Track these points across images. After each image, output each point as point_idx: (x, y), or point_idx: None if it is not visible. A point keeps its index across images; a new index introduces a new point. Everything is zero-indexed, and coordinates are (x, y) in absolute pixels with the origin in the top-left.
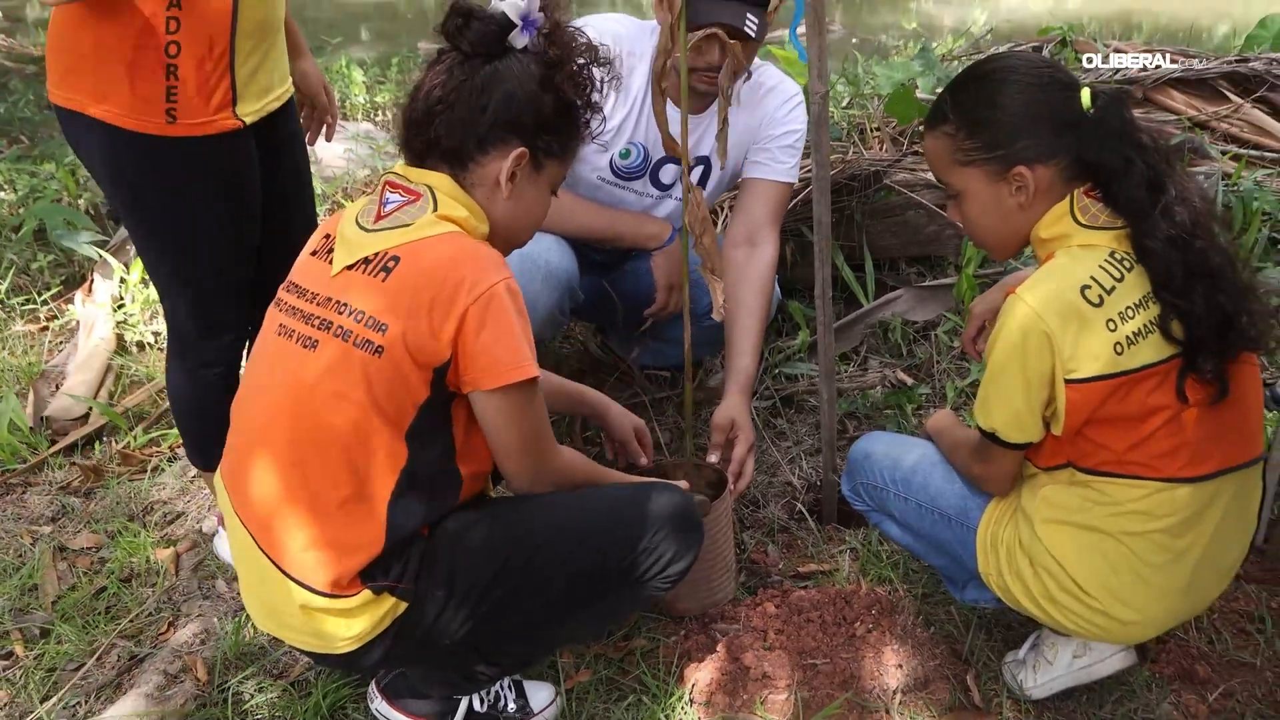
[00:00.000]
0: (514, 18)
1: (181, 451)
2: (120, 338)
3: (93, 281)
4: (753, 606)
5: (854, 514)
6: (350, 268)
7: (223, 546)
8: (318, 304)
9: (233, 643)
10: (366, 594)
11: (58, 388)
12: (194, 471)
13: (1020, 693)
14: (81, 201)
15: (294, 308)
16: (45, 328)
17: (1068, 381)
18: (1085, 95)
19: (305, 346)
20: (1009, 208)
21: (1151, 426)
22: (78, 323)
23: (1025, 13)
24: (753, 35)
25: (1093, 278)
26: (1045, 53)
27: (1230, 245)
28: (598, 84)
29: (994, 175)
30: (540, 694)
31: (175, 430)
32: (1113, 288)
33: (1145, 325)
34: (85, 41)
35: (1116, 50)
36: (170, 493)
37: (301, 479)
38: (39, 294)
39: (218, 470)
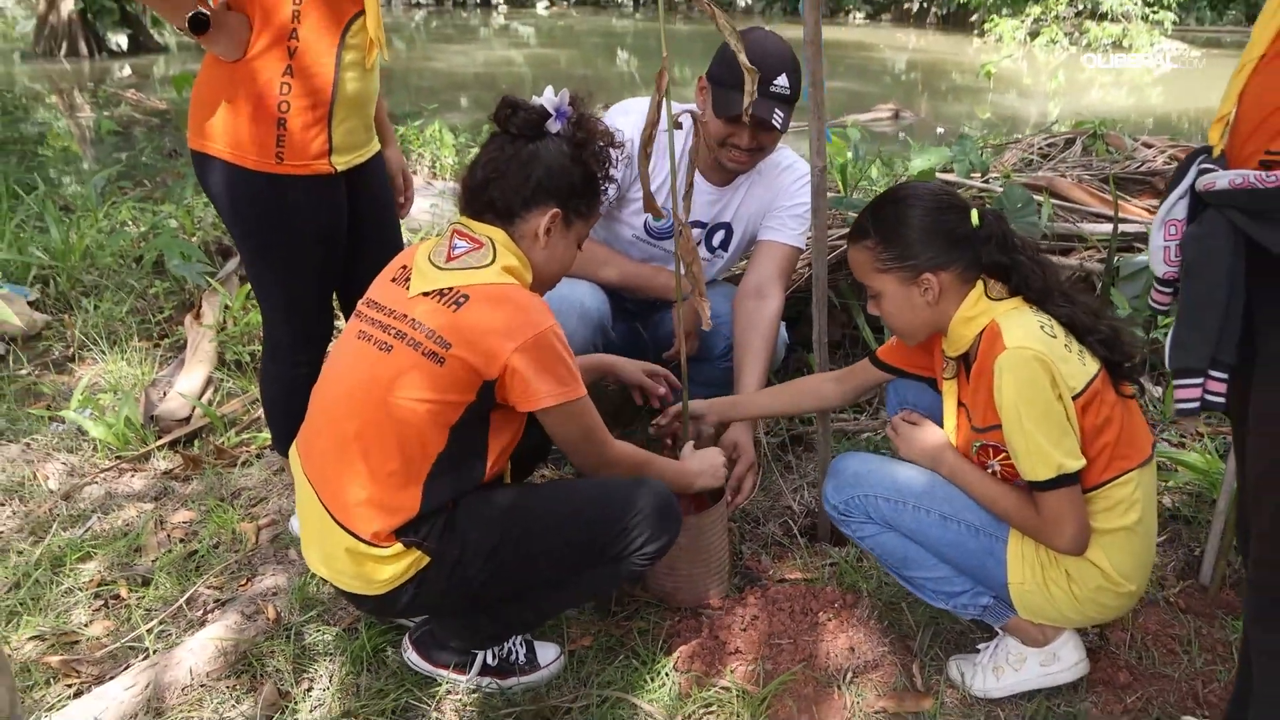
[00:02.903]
0: (550, 109)
1: (267, 451)
2: (221, 356)
3: (200, 307)
4: (738, 600)
5: (840, 535)
6: (426, 294)
7: (296, 524)
8: (395, 318)
9: (299, 595)
10: (399, 547)
11: (165, 394)
12: (277, 466)
13: (969, 691)
14: (195, 238)
15: (373, 319)
16: (157, 344)
17: (1073, 398)
18: (974, 215)
19: (381, 349)
20: (919, 305)
21: (1114, 427)
22: (185, 341)
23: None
24: (778, 128)
25: (1040, 324)
26: (1078, 142)
27: (1094, 298)
28: (614, 160)
29: (906, 280)
30: (547, 651)
31: (263, 434)
32: (1053, 324)
33: (1078, 346)
34: (217, 99)
35: (1145, 144)
36: (255, 482)
37: (362, 451)
38: (152, 315)
39: (294, 441)
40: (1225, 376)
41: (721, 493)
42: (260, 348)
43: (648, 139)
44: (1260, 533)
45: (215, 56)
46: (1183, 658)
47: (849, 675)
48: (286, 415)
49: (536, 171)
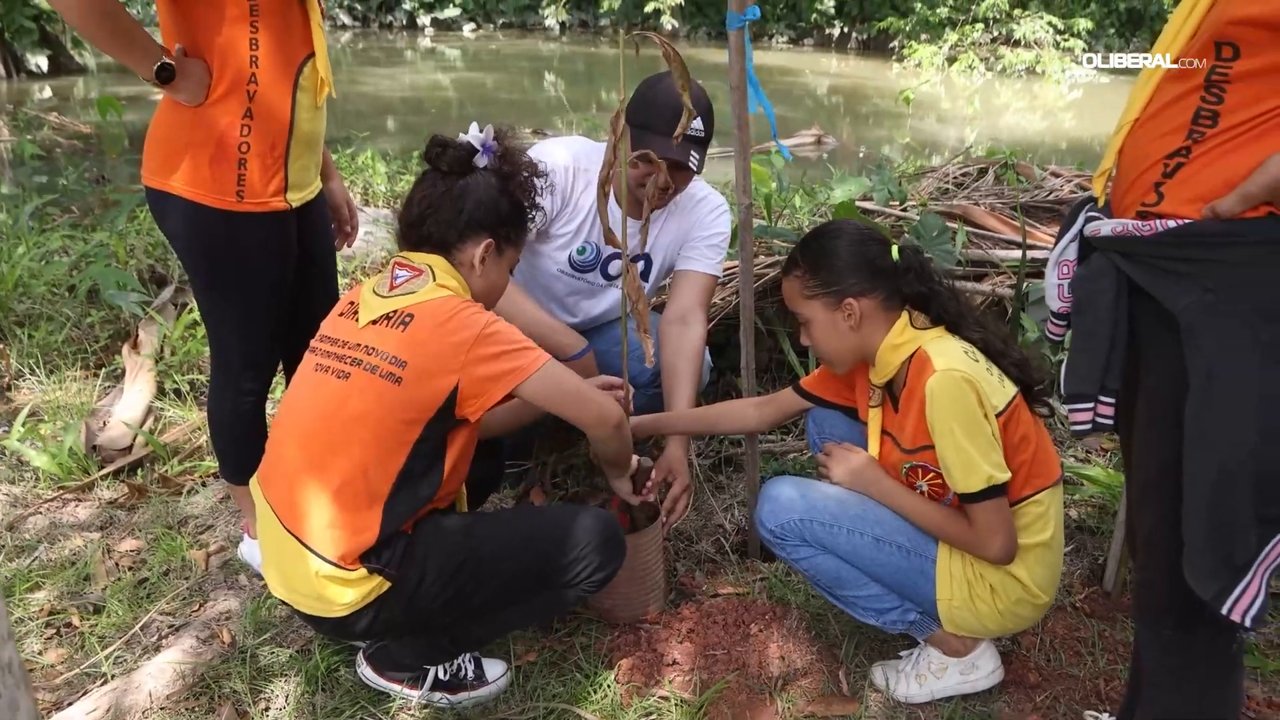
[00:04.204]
0: (477, 145)
1: (212, 479)
2: (160, 384)
3: (138, 336)
4: (674, 615)
5: (769, 551)
6: (374, 322)
7: (246, 550)
8: (349, 348)
9: (252, 619)
10: (363, 571)
11: (105, 424)
12: (223, 493)
13: (894, 696)
14: (129, 266)
15: (328, 351)
16: (95, 374)
17: (996, 415)
18: (894, 250)
19: (339, 377)
20: (844, 330)
21: (1030, 446)
22: (124, 370)
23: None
24: (694, 169)
25: (963, 348)
26: (991, 171)
27: (1001, 326)
28: (539, 190)
29: (830, 305)
30: (495, 668)
31: (206, 462)
32: (974, 350)
33: (998, 371)
34: (179, 140)
35: (1053, 174)
36: (202, 509)
37: (326, 476)
38: (89, 345)
39: (255, 472)
40: (1113, 400)
41: (656, 514)
42: (202, 376)
43: (605, 179)
44: (1144, 536)
45: (174, 100)
46: (1087, 658)
47: (780, 682)
48: (234, 443)
49: (468, 205)
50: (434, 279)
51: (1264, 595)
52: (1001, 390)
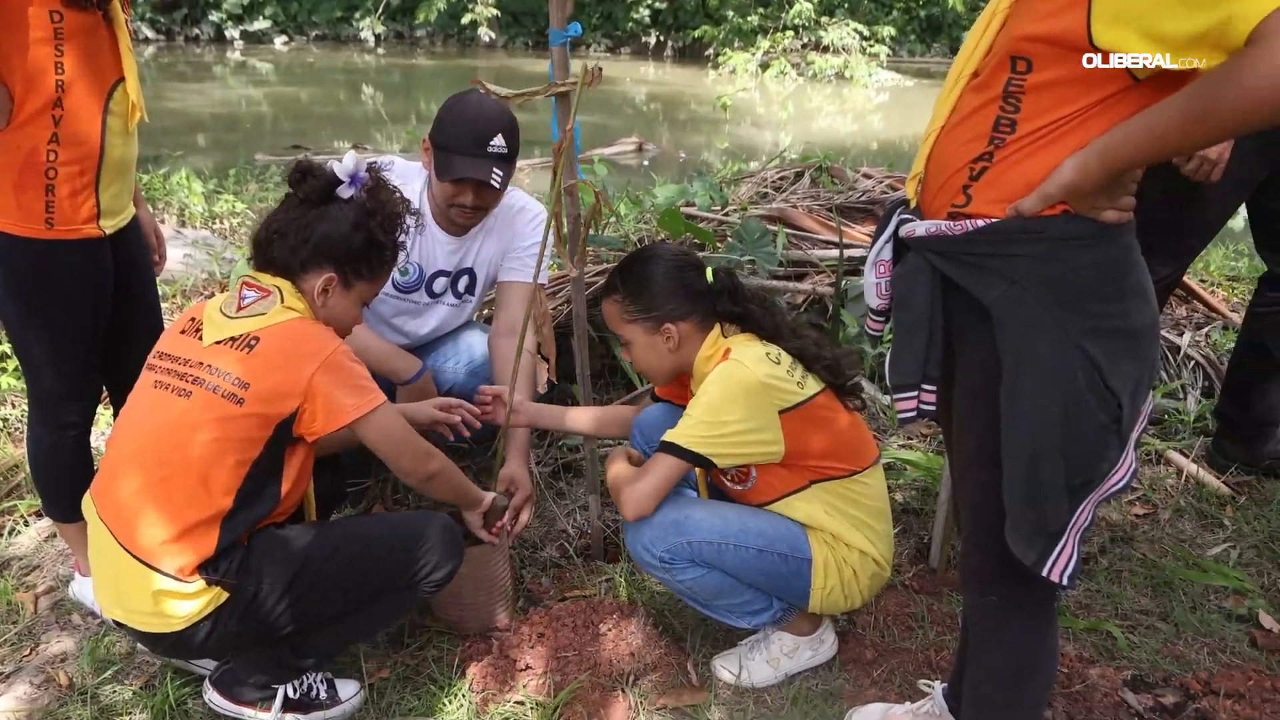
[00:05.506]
0: (341, 176)
1: (34, 518)
2: None
3: None
4: (524, 621)
5: (613, 552)
6: (219, 342)
7: (78, 589)
8: (190, 366)
9: (90, 658)
10: (201, 583)
11: None
12: (49, 532)
13: (751, 684)
14: None
15: (168, 369)
16: None
17: (781, 413)
18: (709, 272)
19: (180, 395)
20: (663, 351)
21: (842, 431)
22: None
23: (832, 134)
24: (498, 187)
25: (766, 352)
26: (807, 175)
27: (818, 334)
28: (406, 227)
29: (650, 329)
30: (348, 687)
31: (26, 500)
32: (779, 353)
33: (803, 371)
34: None
35: (865, 175)
36: (26, 550)
37: (165, 492)
38: None
39: (89, 489)
40: (934, 388)
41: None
42: (15, 412)
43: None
44: (968, 510)
45: None
46: (918, 632)
47: (632, 678)
48: (57, 480)
49: (314, 236)
50: (282, 301)
51: (1077, 556)
52: (798, 391)
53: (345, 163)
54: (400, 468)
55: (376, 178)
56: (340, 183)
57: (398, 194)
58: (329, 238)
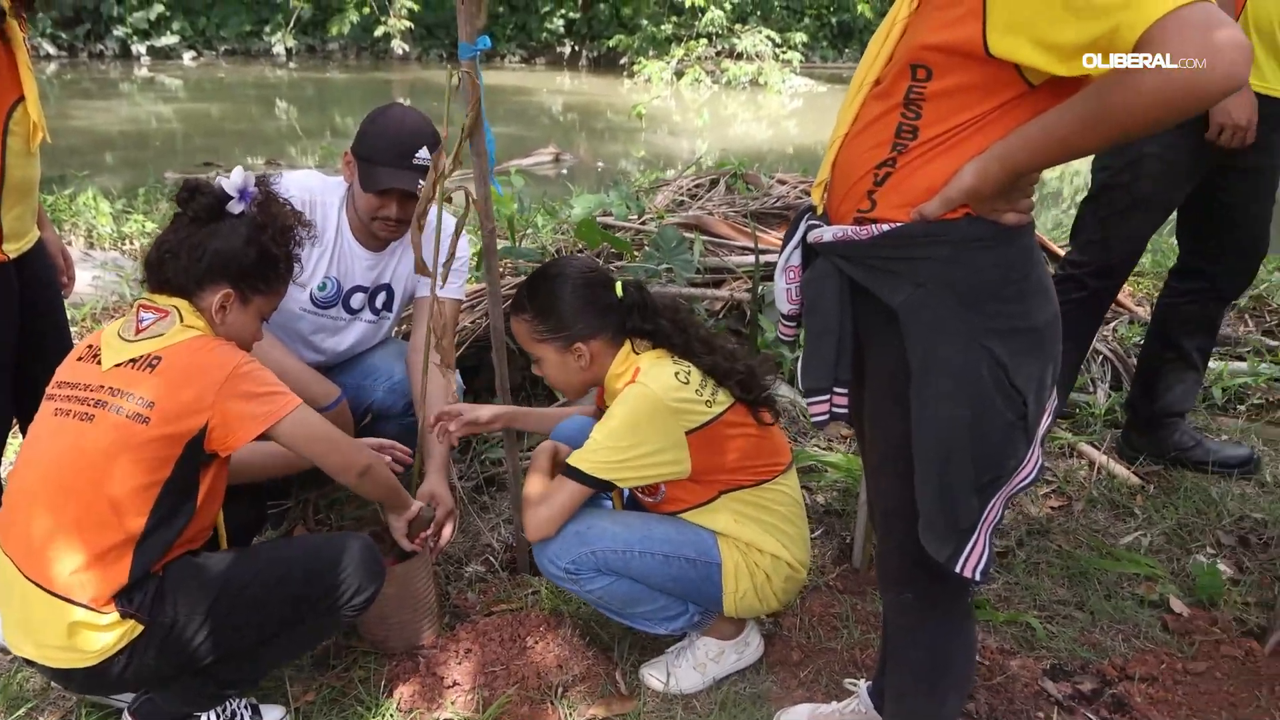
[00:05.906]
0: (230, 191)
1: None
2: None
3: None
4: (451, 637)
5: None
6: (119, 365)
7: None
8: (91, 391)
9: (2, 697)
10: (116, 615)
11: None
12: None
13: (679, 690)
14: None
15: (69, 396)
16: None
17: (688, 433)
18: (618, 287)
19: (82, 420)
20: (574, 369)
21: (753, 443)
22: None
23: (748, 140)
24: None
25: (675, 372)
26: (722, 182)
27: (733, 345)
28: (299, 239)
29: (561, 348)
30: (273, 713)
31: None
32: (689, 371)
33: (714, 387)
34: None
35: (780, 181)
36: None
37: (74, 521)
38: None
39: None
40: (845, 391)
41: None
42: None
43: (422, 212)
44: (882, 510)
45: None
46: (843, 631)
47: (560, 689)
48: None
49: (207, 254)
50: (181, 320)
51: (989, 551)
52: (706, 410)
53: (234, 178)
54: (330, 466)
55: (266, 191)
56: (230, 199)
57: (288, 206)
58: (222, 254)
